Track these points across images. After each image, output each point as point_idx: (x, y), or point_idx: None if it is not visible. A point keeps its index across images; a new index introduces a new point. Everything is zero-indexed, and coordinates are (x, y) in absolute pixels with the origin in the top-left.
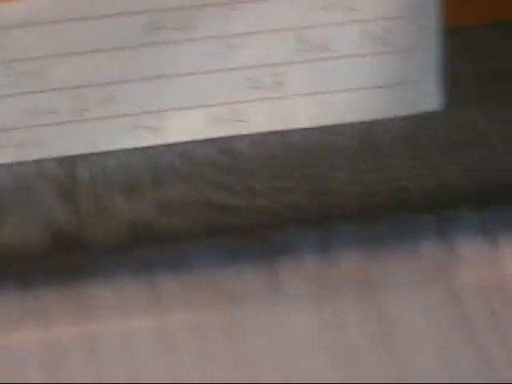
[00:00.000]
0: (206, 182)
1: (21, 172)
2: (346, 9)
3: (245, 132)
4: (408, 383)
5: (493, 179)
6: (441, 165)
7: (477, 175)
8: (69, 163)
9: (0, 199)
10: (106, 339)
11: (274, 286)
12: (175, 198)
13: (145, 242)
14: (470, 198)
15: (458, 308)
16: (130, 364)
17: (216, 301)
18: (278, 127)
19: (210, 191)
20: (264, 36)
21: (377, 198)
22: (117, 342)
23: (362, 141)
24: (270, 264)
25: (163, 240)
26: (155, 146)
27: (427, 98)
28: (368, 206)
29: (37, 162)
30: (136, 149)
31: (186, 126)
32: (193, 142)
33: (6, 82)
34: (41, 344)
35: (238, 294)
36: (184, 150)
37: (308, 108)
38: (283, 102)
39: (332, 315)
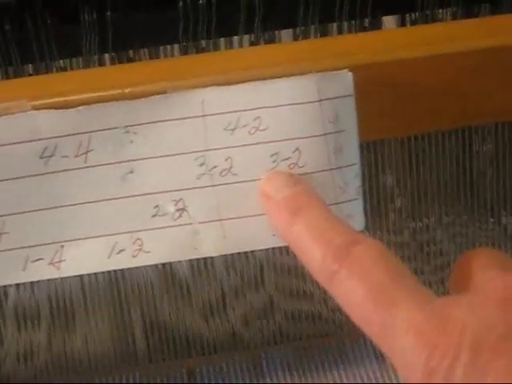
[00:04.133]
0: None
1: None
2: (251, 129)
3: (148, 263)
4: None
5: None
6: None
7: None
8: None
9: None
10: None
11: None
12: None
13: None
14: None
15: None
16: None
17: None
18: (182, 257)
19: None
20: (163, 160)
21: None
22: None
23: None
24: None
25: None
26: None
27: (350, 220)
28: None
29: None
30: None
31: (85, 258)
32: None
33: None
34: None
35: None
36: None
37: (212, 236)
38: (186, 230)
39: None
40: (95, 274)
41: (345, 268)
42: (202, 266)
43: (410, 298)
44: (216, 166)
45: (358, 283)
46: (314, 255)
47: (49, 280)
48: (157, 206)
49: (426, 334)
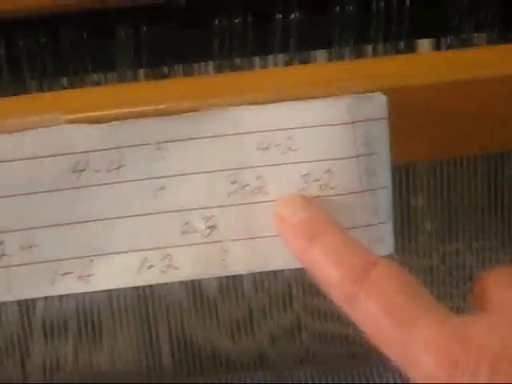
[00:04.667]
0: None
1: None
2: (284, 149)
3: (177, 279)
4: None
5: None
6: None
7: None
8: None
9: None
10: None
11: None
12: None
13: None
14: None
15: None
16: None
17: None
18: (211, 274)
19: None
20: (195, 177)
21: None
22: None
23: None
24: None
25: None
26: None
27: (380, 242)
28: None
29: None
30: None
31: (115, 273)
32: None
33: None
34: None
35: None
36: None
37: (242, 254)
38: (215, 247)
39: None
40: (124, 288)
41: (363, 290)
42: (231, 284)
43: (429, 316)
44: (248, 184)
45: (377, 304)
46: (331, 278)
47: (77, 293)
48: (187, 223)
49: (446, 351)
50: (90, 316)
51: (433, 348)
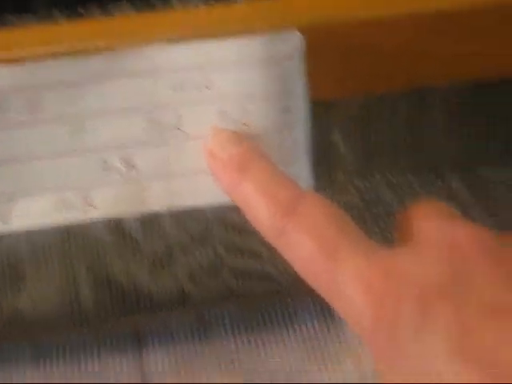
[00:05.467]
0: None
1: None
2: (200, 87)
3: (97, 218)
4: None
5: None
6: None
7: None
8: None
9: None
10: None
11: None
12: None
13: None
14: None
15: None
16: None
17: None
18: (130, 213)
19: None
20: (112, 117)
21: None
22: None
23: None
24: None
25: None
26: None
27: (297, 180)
28: None
29: None
30: None
31: (33, 213)
32: None
33: None
34: None
35: None
36: None
37: (160, 192)
38: (134, 186)
39: None
40: (44, 230)
41: (292, 223)
42: (151, 222)
43: (356, 248)
44: (165, 122)
45: (305, 237)
46: (261, 212)
47: None
48: (105, 162)
49: (370, 281)
50: (11, 259)
51: (358, 279)
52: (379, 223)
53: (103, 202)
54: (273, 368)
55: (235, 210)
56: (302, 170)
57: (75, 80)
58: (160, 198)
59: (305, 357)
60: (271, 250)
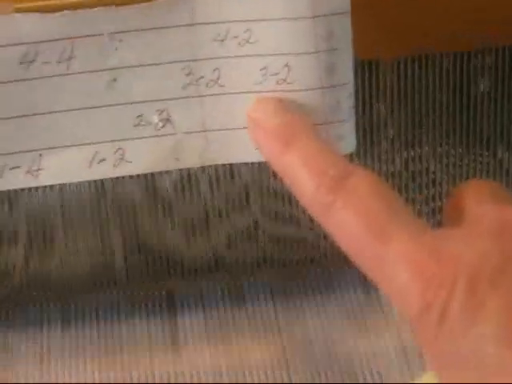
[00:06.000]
0: None
1: None
2: (241, 41)
3: (130, 173)
4: None
5: None
6: None
7: None
8: None
9: None
10: None
11: None
12: None
13: None
14: None
15: None
16: None
17: None
18: (164, 167)
19: None
20: (148, 69)
21: None
22: None
23: None
24: None
25: None
26: None
27: (340, 140)
28: None
29: None
30: None
31: (65, 167)
32: None
33: None
34: None
35: None
36: None
37: (195, 147)
38: (169, 140)
39: None
40: (76, 189)
41: (339, 199)
42: (186, 184)
43: (406, 230)
44: (203, 76)
45: (353, 214)
46: (307, 186)
47: (28, 195)
48: (140, 116)
49: (421, 265)
50: (41, 220)
51: (407, 262)
52: (423, 193)
53: (137, 157)
54: (312, 337)
55: (272, 173)
56: (344, 131)
57: (111, 31)
58: (195, 154)
59: (345, 326)
60: (309, 215)
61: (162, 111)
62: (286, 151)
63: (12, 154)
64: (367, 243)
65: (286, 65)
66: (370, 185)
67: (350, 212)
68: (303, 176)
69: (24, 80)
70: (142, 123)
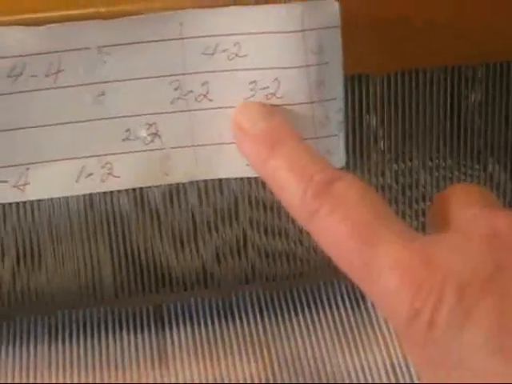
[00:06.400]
0: None
1: None
2: (231, 55)
3: (118, 188)
4: None
5: None
6: None
7: None
8: None
9: None
10: None
11: None
12: None
13: None
14: None
15: None
16: None
17: None
18: (152, 183)
19: None
20: (137, 83)
21: None
22: None
23: None
24: None
25: None
26: None
27: (330, 155)
28: None
29: None
30: None
31: (52, 182)
32: None
33: None
34: None
35: None
36: None
37: (183, 162)
38: (157, 155)
39: None
40: (64, 203)
41: (326, 204)
42: (175, 196)
43: (394, 235)
44: (192, 90)
45: (340, 221)
46: (292, 191)
47: (16, 210)
48: (128, 130)
49: (409, 271)
50: (29, 235)
51: (396, 268)
52: (413, 206)
53: (125, 172)
54: (301, 352)
55: (262, 185)
56: (334, 146)
57: (99, 44)
58: (183, 169)
59: (334, 342)
60: (299, 228)
61: (151, 125)
62: (271, 156)
63: (1, 168)
64: (355, 249)
65: (276, 79)
66: (357, 190)
67: (336, 217)
68: (289, 181)
69: (11, 93)
70: (130, 137)
